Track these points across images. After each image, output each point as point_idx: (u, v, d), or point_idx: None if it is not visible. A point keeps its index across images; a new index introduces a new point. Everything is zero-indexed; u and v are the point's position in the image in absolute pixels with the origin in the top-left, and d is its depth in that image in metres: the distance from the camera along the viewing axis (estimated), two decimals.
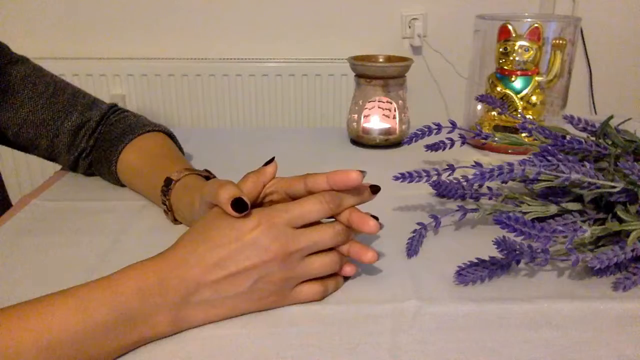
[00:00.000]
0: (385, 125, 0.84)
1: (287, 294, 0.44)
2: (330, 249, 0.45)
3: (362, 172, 0.44)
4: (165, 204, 0.58)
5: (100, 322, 0.37)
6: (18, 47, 0.70)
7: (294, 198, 0.46)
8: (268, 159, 0.48)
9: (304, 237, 0.43)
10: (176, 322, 0.41)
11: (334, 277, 0.47)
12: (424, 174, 0.58)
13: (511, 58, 0.81)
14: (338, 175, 0.44)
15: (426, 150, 0.65)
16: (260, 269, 0.41)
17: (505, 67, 0.82)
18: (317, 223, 0.44)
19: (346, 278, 0.49)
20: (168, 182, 0.57)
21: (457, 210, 0.57)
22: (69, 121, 0.67)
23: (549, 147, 0.55)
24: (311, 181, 0.45)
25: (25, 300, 0.37)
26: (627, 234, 0.47)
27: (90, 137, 0.68)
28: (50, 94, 0.67)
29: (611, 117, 0.56)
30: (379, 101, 0.83)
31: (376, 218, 0.45)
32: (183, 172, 0.58)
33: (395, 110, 0.83)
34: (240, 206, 0.42)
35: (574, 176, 0.48)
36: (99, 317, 0.37)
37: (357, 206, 0.46)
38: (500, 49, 0.82)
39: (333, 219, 0.46)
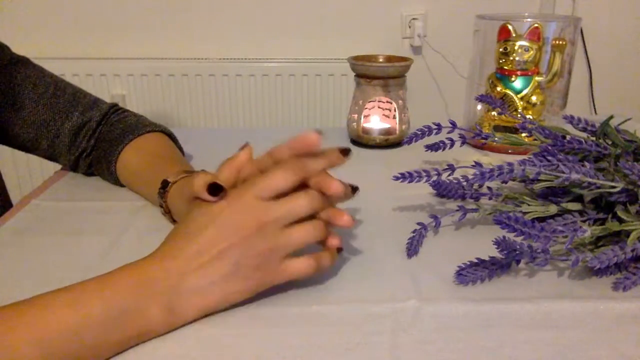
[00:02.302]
0: (385, 125, 0.84)
1: (274, 268, 0.43)
2: (311, 218, 0.45)
3: (319, 132, 0.44)
4: (162, 206, 0.58)
5: (95, 318, 0.37)
6: (18, 47, 0.70)
7: None
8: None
9: (276, 206, 0.43)
10: (170, 314, 0.41)
11: (327, 251, 0.46)
12: (424, 174, 0.58)
13: (511, 58, 0.81)
14: (297, 140, 0.44)
15: (426, 150, 0.65)
16: (239, 247, 0.41)
17: (505, 67, 0.82)
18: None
19: (345, 278, 0.49)
20: (165, 184, 0.57)
21: (457, 210, 0.57)
22: (70, 122, 0.67)
23: (549, 147, 0.55)
24: (275, 152, 0.46)
25: (21, 300, 0.38)
26: (627, 234, 0.47)
27: (91, 138, 0.68)
28: (50, 95, 0.67)
29: (611, 117, 0.56)
30: (379, 101, 0.83)
31: (357, 188, 0.46)
32: (180, 174, 0.58)
33: (395, 110, 0.83)
34: (215, 189, 0.42)
35: (574, 176, 0.48)
36: (93, 312, 0.37)
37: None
38: (500, 49, 0.82)
39: None
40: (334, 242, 0.47)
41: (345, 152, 0.46)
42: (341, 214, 0.45)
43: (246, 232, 0.41)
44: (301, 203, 0.43)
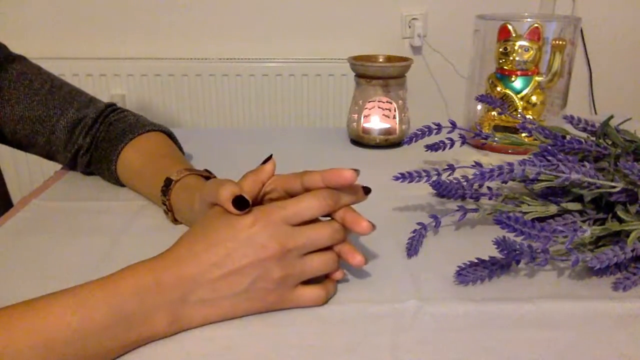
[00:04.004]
0: (385, 125, 0.84)
1: (286, 294, 0.43)
2: (327, 248, 0.45)
3: (356, 171, 0.44)
4: (165, 204, 0.58)
5: (98, 321, 0.37)
6: (18, 47, 0.70)
7: (291, 196, 0.46)
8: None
9: (302, 234, 0.42)
10: (175, 322, 0.40)
11: (333, 281, 0.47)
12: (424, 174, 0.58)
13: (511, 58, 0.81)
14: (332, 173, 0.44)
15: (426, 150, 0.65)
16: (258, 268, 0.41)
17: (505, 67, 0.82)
18: (314, 221, 0.44)
19: (345, 278, 0.48)
20: (168, 182, 0.57)
21: (457, 210, 0.57)
22: (65, 118, 0.67)
23: (549, 147, 0.55)
24: (307, 179, 0.45)
25: (24, 300, 0.37)
26: (627, 234, 0.47)
27: (87, 134, 0.68)
28: (46, 91, 0.67)
29: (611, 117, 0.56)
30: (379, 101, 0.83)
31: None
32: (183, 172, 0.58)
33: (395, 110, 0.83)
34: (241, 204, 0.42)
35: (574, 176, 0.48)
36: (97, 316, 0.37)
37: (354, 207, 0.46)
38: (500, 49, 0.82)
39: (329, 218, 0.45)
40: (338, 275, 0.47)
41: (367, 190, 0.46)
42: (354, 253, 0.45)
43: (267, 254, 0.41)
44: (324, 235, 0.43)
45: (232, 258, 0.41)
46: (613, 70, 1.68)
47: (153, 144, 0.67)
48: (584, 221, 0.52)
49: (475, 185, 0.63)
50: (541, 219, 0.52)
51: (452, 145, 0.64)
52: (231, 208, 0.42)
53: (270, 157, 0.47)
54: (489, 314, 0.44)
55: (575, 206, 0.53)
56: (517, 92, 0.82)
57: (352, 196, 0.45)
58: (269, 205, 0.43)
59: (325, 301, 0.45)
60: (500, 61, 0.83)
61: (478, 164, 0.52)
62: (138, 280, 0.39)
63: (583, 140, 0.55)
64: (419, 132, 0.63)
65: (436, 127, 0.62)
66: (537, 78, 0.82)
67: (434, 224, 0.56)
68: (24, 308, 0.37)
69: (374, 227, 0.45)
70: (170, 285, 0.40)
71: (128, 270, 0.40)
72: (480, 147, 0.85)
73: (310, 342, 0.41)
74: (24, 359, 0.35)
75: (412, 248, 0.53)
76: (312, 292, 0.44)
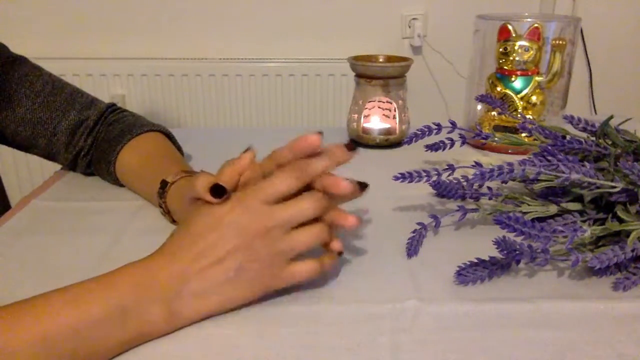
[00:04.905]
0: (385, 125, 0.84)
1: (279, 273, 0.43)
2: (315, 220, 0.44)
3: (320, 133, 0.43)
4: (162, 207, 0.58)
5: (96, 317, 0.37)
6: (18, 47, 0.70)
7: None
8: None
9: (281, 210, 0.42)
10: (171, 317, 0.41)
11: (328, 253, 0.46)
12: (424, 174, 0.58)
13: (511, 58, 0.81)
14: (297, 142, 0.43)
15: (426, 150, 0.65)
16: (243, 250, 0.41)
17: (505, 67, 0.82)
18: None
19: (345, 278, 0.49)
20: (164, 184, 0.57)
21: (457, 210, 0.57)
22: (67, 120, 0.67)
23: (549, 147, 0.55)
24: (277, 155, 0.45)
25: (22, 299, 0.38)
26: (627, 234, 0.47)
27: (89, 136, 0.68)
28: (47, 93, 0.67)
29: (611, 117, 0.56)
30: (379, 101, 0.83)
31: (366, 185, 0.45)
32: (179, 174, 0.58)
33: (395, 110, 0.83)
34: (218, 191, 0.42)
35: (574, 176, 0.48)
36: (94, 312, 0.37)
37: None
38: (500, 49, 0.82)
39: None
40: (336, 246, 0.46)
41: (350, 146, 0.45)
42: (346, 215, 0.45)
43: (250, 236, 0.41)
44: (306, 206, 0.43)
45: (216, 246, 0.41)
46: (613, 70, 1.68)
47: (151, 144, 0.67)
48: (584, 221, 0.52)
49: (475, 185, 0.62)
50: (541, 219, 0.52)
51: (452, 145, 0.64)
52: (209, 197, 0.42)
53: (248, 148, 0.47)
54: (489, 314, 0.44)
55: (575, 206, 0.53)
56: (517, 92, 0.82)
57: (324, 162, 0.44)
58: (244, 189, 0.44)
59: (320, 273, 0.45)
60: (500, 61, 0.83)
61: (478, 164, 0.52)
62: (134, 277, 0.40)
63: (583, 140, 0.55)
64: (419, 132, 0.63)
65: (436, 127, 0.62)
66: (537, 78, 0.82)
67: (434, 224, 0.56)
68: (22, 306, 0.37)
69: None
70: (164, 281, 0.40)
71: (124, 269, 0.41)
72: (480, 147, 0.85)
73: (310, 342, 0.41)
74: (23, 356, 0.35)
75: (412, 248, 0.53)
76: (305, 265, 0.44)
